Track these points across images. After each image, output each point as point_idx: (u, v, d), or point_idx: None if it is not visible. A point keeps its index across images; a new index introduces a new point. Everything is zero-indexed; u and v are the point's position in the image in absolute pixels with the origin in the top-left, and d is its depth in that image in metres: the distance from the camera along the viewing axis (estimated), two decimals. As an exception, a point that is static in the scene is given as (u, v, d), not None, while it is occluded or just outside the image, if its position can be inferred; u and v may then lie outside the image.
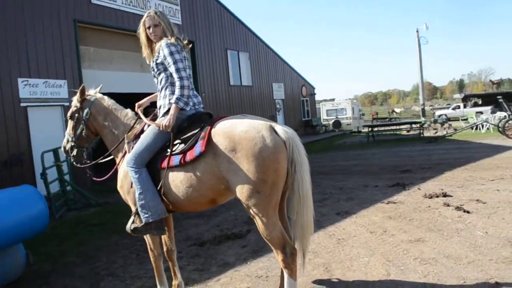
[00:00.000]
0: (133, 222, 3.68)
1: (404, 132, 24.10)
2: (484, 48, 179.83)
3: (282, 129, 3.16)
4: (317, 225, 6.17)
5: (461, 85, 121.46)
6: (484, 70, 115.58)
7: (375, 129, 22.51)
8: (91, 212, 8.89)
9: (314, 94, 31.04)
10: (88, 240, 6.72)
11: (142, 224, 3.56)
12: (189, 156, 3.30)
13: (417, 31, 31.59)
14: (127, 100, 16.00)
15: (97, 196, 10.53)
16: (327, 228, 5.94)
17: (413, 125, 23.06)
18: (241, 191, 3.12)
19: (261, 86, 23.04)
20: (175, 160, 3.39)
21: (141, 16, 3.80)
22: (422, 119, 28.69)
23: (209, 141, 3.24)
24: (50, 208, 8.67)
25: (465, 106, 39.59)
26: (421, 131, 20.23)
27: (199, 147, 3.26)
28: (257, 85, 22.66)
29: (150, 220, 3.54)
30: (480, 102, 39.35)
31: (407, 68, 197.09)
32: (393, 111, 63.41)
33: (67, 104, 11.69)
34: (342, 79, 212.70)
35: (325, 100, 42.60)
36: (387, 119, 44.31)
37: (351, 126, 31.93)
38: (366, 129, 22.97)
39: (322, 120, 32.00)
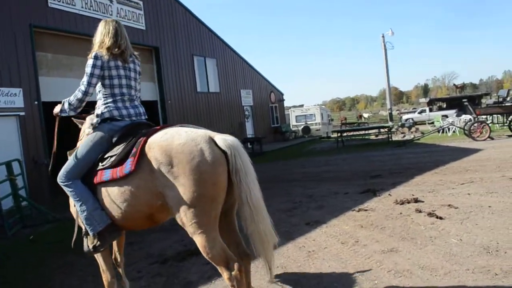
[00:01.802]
0: (88, 242, 3.46)
1: (373, 137, 24.28)
2: (447, 53, 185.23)
3: (222, 139, 3.00)
4: (286, 236, 5.88)
5: (426, 90, 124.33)
6: (447, 75, 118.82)
7: (344, 134, 22.53)
8: (48, 229, 8.34)
9: (283, 100, 30.94)
10: (43, 260, 6.21)
11: (95, 238, 3.36)
12: (119, 172, 3.14)
13: (383, 36, 32.05)
14: (88, 108, 15.47)
15: (55, 211, 9.94)
16: (296, 240, 5.65)
17: (381, 130, 23.25)
18: (178, 207, 2.95)
19: (229, 92, 22.71)
20: (106, 175, 3.21)
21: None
22: (390, 123, 29.01)
23: (142, 157, 3.07)
24: (2, 226, 8.11)
25: (430, 110, 40.61)
26: (390, 135, 20.34)
27: (129, 165, 3.09)
28: (225, 91, 22.32)
29: (100, 229, 3.33)
30: (444, 106, 40.53)
31: (374, 73, 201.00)
32: (361, 116, 64.30)
33: (22, 114, 11.07)
34: (310, 85, 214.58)
35: (294, 106, 42.62)
36: (355, 124, 44.79)
37: (320, 131, 32.05)
38: (335, 135, 22.98)
39: (291, 126, 31.94)
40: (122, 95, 3.53)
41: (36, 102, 11.43)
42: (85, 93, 3.43)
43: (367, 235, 5.49)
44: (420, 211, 6.22)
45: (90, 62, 3.41)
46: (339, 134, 21.20)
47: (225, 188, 2.98)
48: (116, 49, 3.47)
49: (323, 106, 37.64)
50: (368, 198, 7.66)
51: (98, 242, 3.36)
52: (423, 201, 6.89)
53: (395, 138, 21.56)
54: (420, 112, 42.15)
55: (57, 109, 3.64)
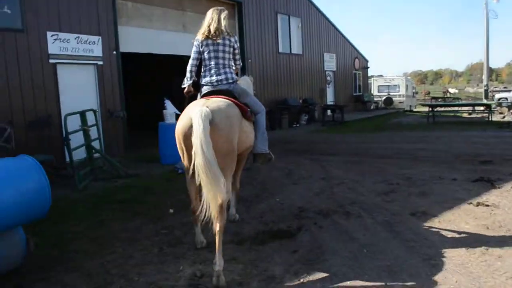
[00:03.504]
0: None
1: (466, 115, 21.95)
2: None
3: (195, 114, 3.76)
4: (387, 228, 4.81)
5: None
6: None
7: (436, 109, 20.31)
8: (118, 185, 7.87)
9: (367, 67, 28.87)
10: (108, 221, 5.66)
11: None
12: None
13: (486, 4, 28.59)
14: (167, 61, 14.88)
15: (128, 166, 9.56)
16: (403, 235, 4.55)
17: (476, 108, 20.95)
18: None
19: (311, 55, 21.20)
20: None
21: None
22: (488, 101, 26.13)
23: None
24: (73, 178, 7.77)
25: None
26: (490, 115, 18.01)
27: None
28: (308, 54, 20.85)
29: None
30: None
31: (461, 47, 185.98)
32: (448, 91, 59.73)
33: (101, 63, 10.66)
34: (391, 55, 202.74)
35: (372, 76, 40.07)
36: (440, 100, 41.51)
37: (403, 104, 29.84)
38: (425, 109, 20.99)
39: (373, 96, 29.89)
40: (210, 65, 4.64)
41: (114, 52, 10.97)
42: (191, 66, 4.78)
43: (499, 241, 4.26)
44: None
45: (194, 44, 4.73)
46: (430, 109, 19.12)
47: (184, 147, 4.07)
48: (211, 34, 4.60)
49: (408, 77, 34.90)
50: (485, 189, 6.30)
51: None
52: None
53: (493, 118, 19.16)
54: (517, 92, 38.04)
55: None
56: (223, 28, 4.64)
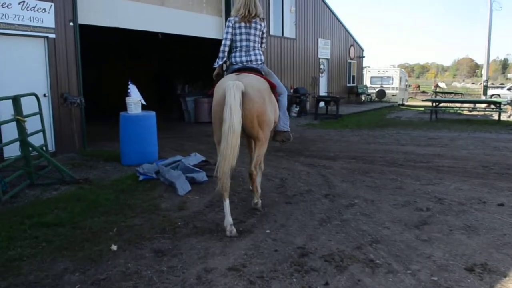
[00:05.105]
0: None
1: (466, 112, 20.45)
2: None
3: (228, 86, 4.24)
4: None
5: (504, 65, 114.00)
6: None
7: (441, 105, 18.57)
8: (58, 196, 5.98)
9: (363, 57, 27.05)
10: (21, 260, 3.85)
11: None
12: None
13: (490, -6, 26.93)
14: (141, 38, 12.87)
15: (81, 166, 7.72)
16: (474, 321, 2.82)
17: (480, 105, 19.47)
18: None
19: (305, 40, 19.18)
20: None
21: None
22: (486, 98, 24.71)
23: None
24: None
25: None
26: (499, 113, 16.38)
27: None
28: (301, 39, 18.84)
29: None
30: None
31: (448, 42, 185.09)
32: (438, 85, 58.60)
33: (53, 36, 8.66)
34: (380, 46, 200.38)
35: (366, 67, 38.30)
36: (430, 94, 40.22)
37: (396, 97, 28.28)
38: (416, 103, 19.37)
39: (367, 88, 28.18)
40: (241, 47, 4.97)
41: (71, 24, 8.95)
42: (223, 46, 5.03)
43: None
44: None
45: (226, 25, 5.03)
46: (435, 104, 17.38)
47: (218, 119, 4.38)
48: (245, 16, 4.89)
49: (402, 70, 33.27)
50: (553, 224, 4.61)
51: None
52: None
53: (496, 117, 17.63)
54: (509, 89, 37.26)
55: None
56: (258, 12, 4.95)
